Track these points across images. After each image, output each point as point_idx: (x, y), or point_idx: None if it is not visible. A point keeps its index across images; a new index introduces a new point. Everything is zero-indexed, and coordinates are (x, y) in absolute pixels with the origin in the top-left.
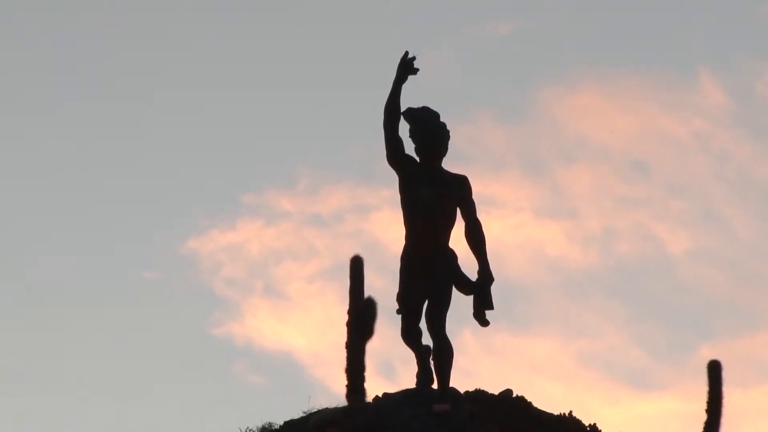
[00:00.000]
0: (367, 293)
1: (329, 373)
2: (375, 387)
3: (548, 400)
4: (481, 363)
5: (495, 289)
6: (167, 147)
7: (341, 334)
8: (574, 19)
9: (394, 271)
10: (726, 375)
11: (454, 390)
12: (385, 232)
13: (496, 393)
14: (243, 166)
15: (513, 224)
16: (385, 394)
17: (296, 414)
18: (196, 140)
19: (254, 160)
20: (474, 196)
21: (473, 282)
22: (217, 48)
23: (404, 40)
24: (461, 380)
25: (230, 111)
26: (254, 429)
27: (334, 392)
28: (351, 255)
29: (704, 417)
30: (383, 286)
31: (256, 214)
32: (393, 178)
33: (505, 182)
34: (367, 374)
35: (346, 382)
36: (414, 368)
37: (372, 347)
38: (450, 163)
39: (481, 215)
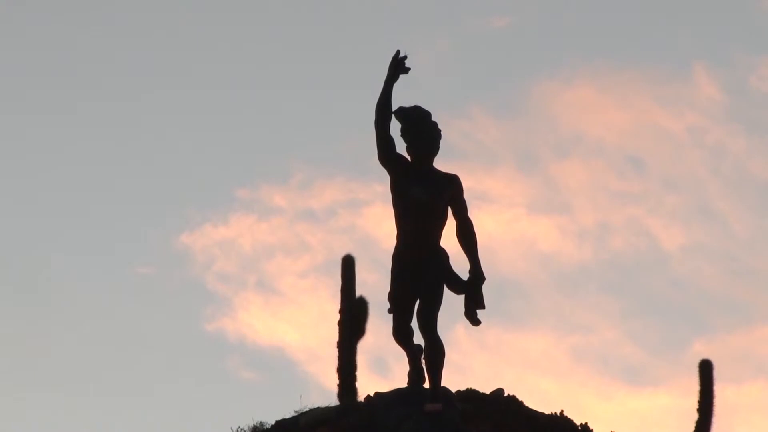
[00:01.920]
0: (359, 288)
1: (322, 368)
2: (368, 384)
3: (541, 396)
4: (473, 359)
5: (488, 285)
6: (161, 142)
7: (334, 330)
8: (570, 14)
9: (386, 266)
10: (720, 371)
11: (445, 389)
12: (377, 227)
13: (488, 392)
14: (236, 161)
15: (507, 219)
16: (377, 394)
17: (288, 412)
18: (190, 135)
19: (247, 155)
20: (468, 191)
21: (465, 281)
22: (210, 44)
23: (399, 34)
24: (453, 378)
25: (224, 106)
26: (246, 429)
27: (326, 388)
28: (343, 250)
29: (697, 414)
30: (375, 281)
31: (249, 209)
32: (386, 173)
33: (499, 177)
34: (360, 371)
35: (338, 381)
36: (406, 367)
37: (365, 344)
38: (444, 158)
39: (475, 210)
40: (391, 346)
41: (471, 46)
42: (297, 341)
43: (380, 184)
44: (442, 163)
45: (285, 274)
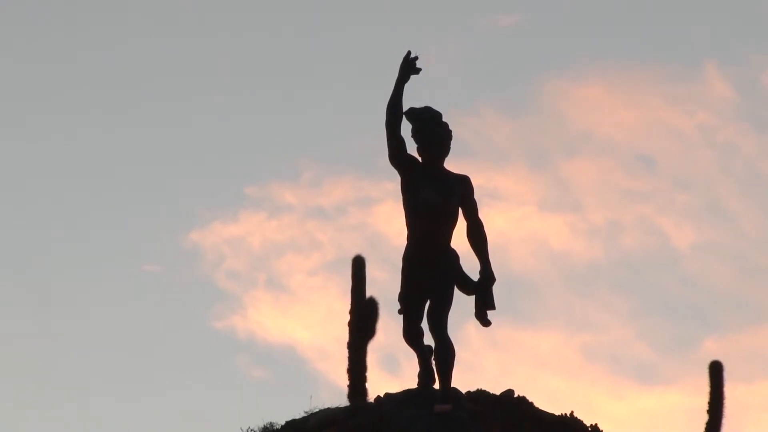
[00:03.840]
0: (370, 286)
1: (332, 366)
2: (378, 382)
3: (552, 395)
4: (484, 357)
5: (498, 283)
6: (170, 139)
7: (344, 328)
8: (579, 11)
9: (397, 264)
10: (730, 370)
11: (455, 390)
12: (388, 225)
13: (498, 393)
14: (246, 158)
15: (517, 217)
16: (387, 394)
17: (298, 411)
18: (200, 132)
19: (257, 152)
20: (478, 189)
21: (475, 282)
22: (220, 40)
23: (408, 33)
24: (464, 377)
25: (233, 103)
26: (256, 429)
27: (337, 386)
28: (354, 248)
29: (707, 415)
30: (386, 279)
31: (259, 206)
32: (396, 172)
33: (509, 175)
34: (370, 369)
35: (347, 383)
36: (416, 366)
37: (376, 342)
38: (454, 156)
39: (485, 208)
40: (401, 344)
41: (480, 44)
42: (307, 339)
43: (391, 182)
44: (452, 161)
45: (295, 272)
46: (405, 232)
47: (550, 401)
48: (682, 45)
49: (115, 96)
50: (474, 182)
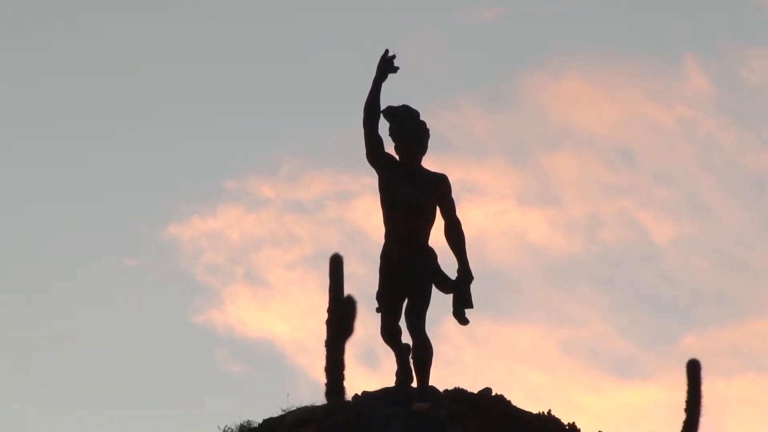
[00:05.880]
0: (348, 282)
1: (311, 361)
2: (357, 378)
3: (530, 390)
4: (463, 352)
5: (477, 277)
6: (148, 132)
7: (322, 323)
8: (559, 5)
9: (375, 258)
10: (710, 365)
11: (433, 389)
12: (366, 220)
13: (476, 392)
14: (225, 152)
15: (496, 211)
16: (365, 393)
17: (276, 409)
18: (177, 126)
19: (236, 146)
20: (457, 183)
21: (453, 280)
22: (199, 36)
23: (388, 26)
24: (442, 372)
25: (212, 97)
26: (233, 428)
27: (315, 381)
28: (332, 242)
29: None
30: (365, 273)
31: (238, 200)
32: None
33: (488, 169)
34: (348, 365)
35: (325, 381)
36: (394, 363)
37: (354, 337)
38: (433, 151)
39: (464, 203)
40: (380, 340)
41: (460, 37)
42: (285, 333)
43: (369, 176)
44: (431, 155)
45: (273, 266)
46: (383, 226)
47: (528, 396)
48: (661, 39)
49: (92, 91)
50: (453, 176)
